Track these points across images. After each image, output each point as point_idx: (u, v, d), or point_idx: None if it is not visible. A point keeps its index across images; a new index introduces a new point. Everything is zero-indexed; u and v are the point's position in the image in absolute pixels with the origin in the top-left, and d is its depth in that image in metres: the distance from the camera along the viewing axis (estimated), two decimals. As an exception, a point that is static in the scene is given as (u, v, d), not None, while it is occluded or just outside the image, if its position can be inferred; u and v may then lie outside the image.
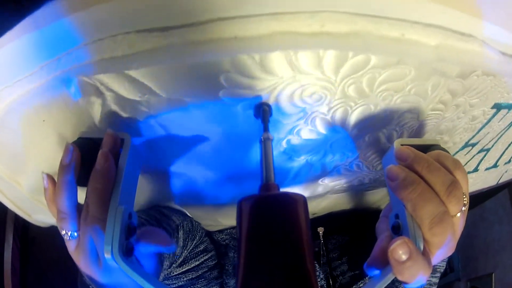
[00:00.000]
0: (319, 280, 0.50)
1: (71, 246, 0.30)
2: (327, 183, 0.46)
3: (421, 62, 0.27)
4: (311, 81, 0.27)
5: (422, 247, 0.27)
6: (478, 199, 1.41)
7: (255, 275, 0.22)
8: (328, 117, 0.32)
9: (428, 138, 0.38)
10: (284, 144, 0.36)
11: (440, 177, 0.28)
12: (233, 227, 0.57)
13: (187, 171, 0.41)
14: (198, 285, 0.50)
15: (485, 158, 0.50)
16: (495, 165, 0.53)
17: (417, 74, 0.28)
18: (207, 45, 0.24)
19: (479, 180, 0.56)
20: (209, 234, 0.57)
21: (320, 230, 0.53)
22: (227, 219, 0.54)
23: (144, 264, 0.33)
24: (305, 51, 0.25)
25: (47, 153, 0.35)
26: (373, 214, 0.44)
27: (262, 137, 0.28)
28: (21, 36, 0.27)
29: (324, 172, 0.43)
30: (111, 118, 0.31)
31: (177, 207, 0.51)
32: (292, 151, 0.37)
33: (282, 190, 0.26)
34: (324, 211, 0.56)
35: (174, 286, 0.48)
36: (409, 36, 0.26)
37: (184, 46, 0.25)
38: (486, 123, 0.40)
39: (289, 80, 0.27)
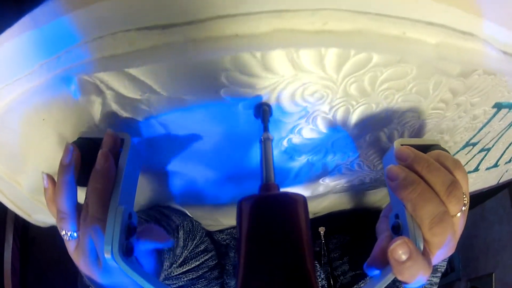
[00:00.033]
0: (320, 280, 0.50)
1: (70, 247, 0.30)
2: (328, 182, 0.46)
3: (423, 61, 0.27)
4: (312, 79, 0.27)
5: (422, 247, 0.27)
6: (478, 199, 1.41)
7: (255, 275, 0.22)
8: (330, 116, 0.32)
9: (428, 137, 0.38)
10: (285, 143, 0.36)
11: (440, 177, 0.28)
12: (233, 227, 0.57)
13: (187, 170, 0.41)
14: (199, 285, 0.49)
15: (486, 157, 0.49)
16: (495, 165, 0.53)
17: (419, 73, 0.28)
18: (208, 43, 0.24)
19: (480, 180, 0.56)
20: (209, 234, 0.57)
21: (322, 230, 0.53)
22: (227, 218, 0.54)
23: (143, 263, 0.33)
24: (307, 49, 0.24)
25: (47, 153, 0.35)
26: (374, 214, 0.44)
27: (262, 137, 0.28)
28: (20, 34, 0.27)
29: (325, 172, 0.43)
30: (111, 117, 0.31)
31: (178, 207, 0.51)
32: (293, 151, 0.37)
33: (283, 189, 0.26)
34: (325, 211, 0.56)
35: (175, 286, 0.48)
36: (410, 34, 0.26)
37: (185, 44, 0.24)
38: (487, 123, 0.40)
39: (290, 79, 0.27)
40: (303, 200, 0.25)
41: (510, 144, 0.48)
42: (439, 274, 0.51)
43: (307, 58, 0.25)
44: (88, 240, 0.29)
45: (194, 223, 0.51)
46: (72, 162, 0.29)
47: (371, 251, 0.30)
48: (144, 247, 0.32)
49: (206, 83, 0.27)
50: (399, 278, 0.27)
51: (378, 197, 0.55)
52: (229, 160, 0.39)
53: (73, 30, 0.26)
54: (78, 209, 0.30)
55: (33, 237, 0.91)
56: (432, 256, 0.28)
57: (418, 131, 0.37)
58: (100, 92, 0.28)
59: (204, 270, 0.51)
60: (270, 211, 0.24)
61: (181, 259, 0.48)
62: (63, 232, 0.30)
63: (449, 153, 0.31)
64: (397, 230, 0.29)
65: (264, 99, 0.29)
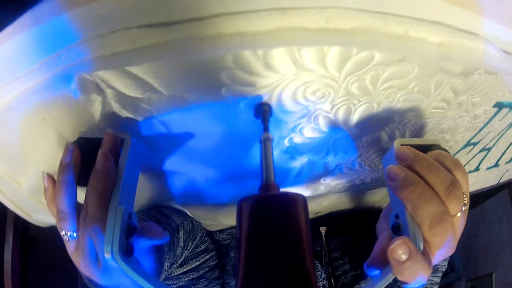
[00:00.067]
0: (321, 279, 0.50)
1: (70, 247, 0.30)
2: (329, 182, 0.46)
3: (425, 60, 0.27)
4: (314, 78, 0.27)
5: (422, 247, 0.27)
6: (478, 198, 1.41)
7: (255, 275, 0.22)
8: (331, 115, 0.32)
9: (430, 137, 0.38)
10: (286, 142, 0.35)
11: (440, 177, 0.28)
12: (234, 227, 0.57)
13: (187, 170, 0.41)
14: (199, 285, 0.49)
15: (486, 157, 0.49)
16: (496, 165, 0.53)
17: (421, 72, 0.28)
18: (210, 40, 0.24)
19: (480, 180, 0.56)
20: (210, 234, 0.57)
21: (323, 229, 0.53)
22: (228, 218, 0.54)
23: (142, 263, 0.33)
24: (310, 47, 0.24)
25: (47, 153, 0.35)
26: (375, 213, 0.43)
27: (262, 137, 0.28)
28: (20, 33, 0.27)
29: (327, 171, 0.43)
30: (111, 116, 0.31)
31: (178, 206, 0.51)
32: (294, 150, 0.37)
33: (284, 189, 0.26)
34: (326, 211, 0.56)
35: (175, 286, 0.47)
36: (414, 33, 0.26)
37: (186, 41, 0.24)
38: (488, 122, 0.40)
39: (292, 77, 0.27)
40: (303, 200, 0.25)
41: (510, 144, 0.48)
42: (440, 274, 0.51)
43: (309, 57, 0.25)
44: (88, 240, 0.29)
45: (195, 223, 0.51)
46: (72, 162, 0.29)
47: (371, 251, 0.30)
48: (141, 245, 0.32)
49: (208, 82, 0.27)
50: (399, 278, 0.27)
51: (379, 197, 0.55)
52: (229, 159, 0.39)
53: (74, 28, 0.26)
54: (78, 209, 0.30)
55: (33, 237, 0.91)
56: (432, 256, 0.28)
57: (420, 131, 0.37)
58: (100, 91, 0.28)
59: (205, 270, 0.51)
60: (270, 211, 0.24)
61: (181, 259, 0.48)
62: (62, 232, 0.30)
63: (449, 153, 0.31)
64: (397, 230, 0.29)
65: (266, 98, 0.29)
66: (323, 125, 0.33)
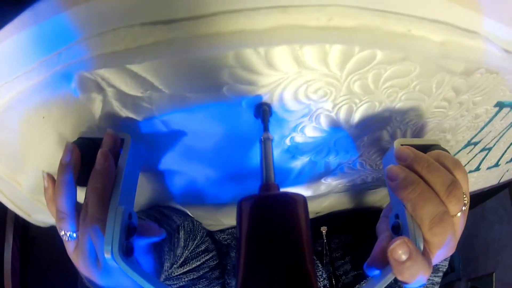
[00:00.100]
0: (322, 279, 0.50)
1: (70, 247, 0.30)
2: (330, 182, 0.46)
3: (426, 58, 0.27)
4: (316, 77, 0.27)
5: (422, 247, 0.27)
6: (478, 198, 1.41)
7: (255, 275, 0.22)
8: (333, 114, 0.32)
9: (431, 136, 0.38)
10: (287, 141, 0.35)
11: (440, 177, 0.28)
12: (234, 227, 0.57)
13: (188, 170, 0.41)
14: (200, 285, 0.49)
15: (487, 157, 0.49)
16: (496, 164, 0.53)
17: (422, 71, 0.28)
18: (211, 38, 0.24)
19: (481, 179, 0.56)
20: (210, 234, 0.57)
21: (324, 229, 0.53)
22: (228, 218, 0.54)
23: (141, 263, 0.33)
24: (311, 46, 0.24)
25: (46, 152, 0.35)
26: (375, 213, 0.43)
27: (262, 137, 0.28)
28: (19, 31, 0.27)
29: (328, 171, 0.43)
30: (111, 115, 0.31)
31: (178, 206, 0.51)
32: (295, 149, 0.37)
33: (285, 189, 0.26)
34: (326, 210, 0.56)
35: (176, 286, 0.47)
36: (416, 32, 0.26)
37: (187, 39, 0.24)
38: (489, 122, 0.40)
39: (294, 76, 0.27)
40: (303, 200, 0.25)
41: (511, 144, 0.48)
42: (440, 274, 0.51)
43: (311, 55, 0.25)
44: (88, 241, 0.29)
45: (195, 223, 0.51)
46: (72, 162, 0.29)
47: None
48: (139, 244, 0.32)
49: (209, 80, 0.27)
50: (399, 278, 0.27)
51: (379, 197, 0.55)
52: (230, 159, 0.39)
53: (74, 26, 0.25)
54: (77, 209, 0.30)
55: (33, 237, 0.91)
56: (432, 256, 0.28)
57: (421, 130, 0.36)
58: (100, 90, 0.28)
59: (205, 270, 0.50)
60: (270, 211, 0.24)
61: (181, 259, 0.48)
62: (62, 233, 0.30)
63: (449, 153, 0.31)
64: (397, 230, 0.29)
65: (267, 97, 0.28)
66: (324, 124, 0.33)
